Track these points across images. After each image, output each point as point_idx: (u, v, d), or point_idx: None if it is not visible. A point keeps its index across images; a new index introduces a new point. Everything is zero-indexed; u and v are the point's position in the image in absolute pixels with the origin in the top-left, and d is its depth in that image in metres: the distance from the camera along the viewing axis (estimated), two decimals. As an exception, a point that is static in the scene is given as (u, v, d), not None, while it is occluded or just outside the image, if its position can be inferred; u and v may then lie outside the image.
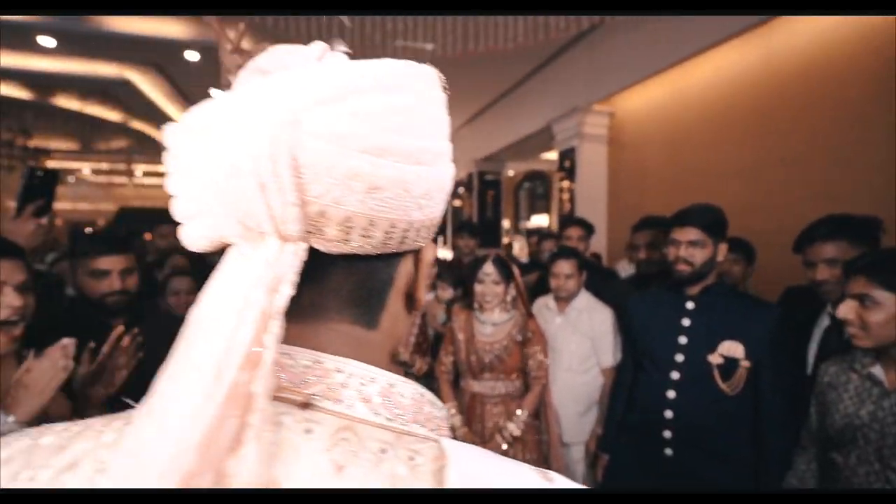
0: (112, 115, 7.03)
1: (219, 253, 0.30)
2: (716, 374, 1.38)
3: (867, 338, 0.98)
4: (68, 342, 0.80)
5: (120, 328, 0.95)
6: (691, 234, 1.44)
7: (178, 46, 4.68)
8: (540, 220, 9.81)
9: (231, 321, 0.25)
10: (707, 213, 1.47)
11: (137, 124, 7.50)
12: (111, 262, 1.25)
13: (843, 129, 2.84)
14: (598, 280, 2.22)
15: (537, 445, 1.88)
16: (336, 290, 0.31)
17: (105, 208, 15.51)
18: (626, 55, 4.23)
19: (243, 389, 0.25)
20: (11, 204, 1.28)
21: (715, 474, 1.37)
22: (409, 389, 0.32)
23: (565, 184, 5.29)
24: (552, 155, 5.55)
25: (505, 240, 9.86)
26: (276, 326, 0.26)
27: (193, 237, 0.29)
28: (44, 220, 1.21)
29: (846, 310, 1.01)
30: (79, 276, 1.27)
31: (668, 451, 1.43)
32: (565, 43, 4.90)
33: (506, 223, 10.90)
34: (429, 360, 2.03)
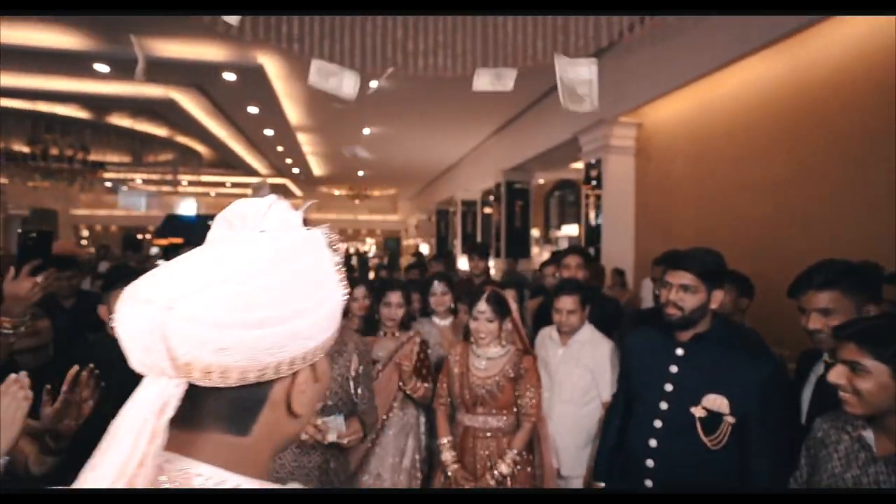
0: (159, 131, 7.50)
1: None
2: (698, 426, 1.33)
3: (858, 405, 0.94)
4: (17, 377, 0.89)
5: (75, 368, 1.04)
6: (683, 278, 1.40)
7: (216, 68, 4.97)
8: (570, 230, 9.66)
9: (132, 434, 0.36)
10: (703, 258, 1.41)
11: (181, 139, 7.96)
12: None
13: (874, 141, 2.70)
14: (599, 310, 2.21)
15: (529, 479, 1.87)
16: (212, 409, 0.42)
17: (154, 214, 16.55)
18: (653, 67, 4.15)
19: (134, 482, 0.36)
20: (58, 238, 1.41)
21: None
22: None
23: (592, 196, 5.23)
24: (581, 165, 5.49)
25: (535, 250, 9.77)
26: (160, 439, 0.37)
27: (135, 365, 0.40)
28: (39, 279, 1.29)
29: (837, 375, 0.97)
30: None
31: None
32: (591, 54, 4.85)
33: (535, 232, 10.81)
34: (430, 386, 2.06)
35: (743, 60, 3.38)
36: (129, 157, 8.40)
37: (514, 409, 1.86)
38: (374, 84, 5.48)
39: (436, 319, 2.48)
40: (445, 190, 11.67)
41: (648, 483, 1.41)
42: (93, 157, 7.95)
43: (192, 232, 16.28)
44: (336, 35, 3.56)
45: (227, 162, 9.76)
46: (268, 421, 0.44)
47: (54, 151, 7.34)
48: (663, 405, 1.41)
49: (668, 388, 1.41)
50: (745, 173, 3.68)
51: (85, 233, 16.70)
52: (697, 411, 1.34)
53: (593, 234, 5.15)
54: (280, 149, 8.71)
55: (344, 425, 1.45)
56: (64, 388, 1.01)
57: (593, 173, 5.14)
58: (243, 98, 5.85)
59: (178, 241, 15.40)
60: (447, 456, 1.83)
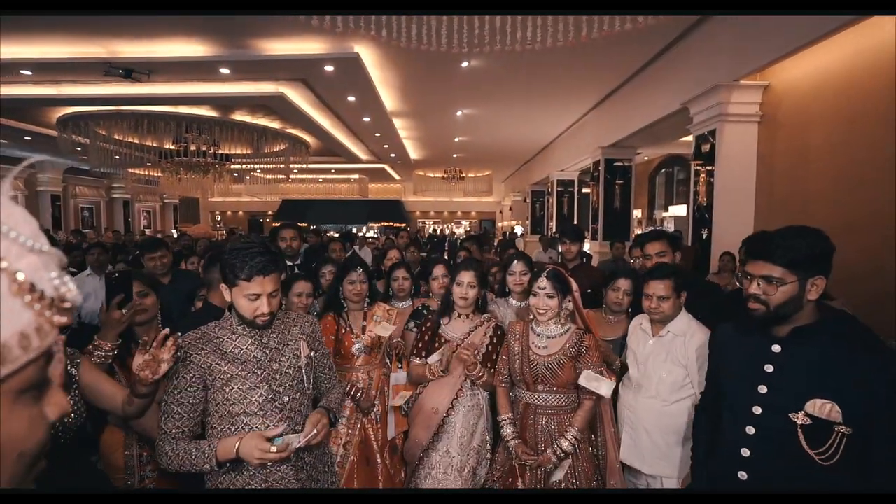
0: (273, 124, 8.25)
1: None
2: (800, 436, 1.13)
3: None
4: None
5: (165, 331, 1.21)
6: (765, 268, 1.18)
7: (317, 62, 5.29)
8: (678, 211, 8.78)
9: None
10: (795, 244, 1.15)
11: (291, 130, 8.68)
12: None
13: None
14: (696, 296, 1.96)
15: (590, 458, 1.84)
16: None
17: (272, 200, 18.44)
18: (786, 17, 3.51)
19: None
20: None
21: None
22: None
23: (703, 172, 4.66)
24: (691, 138, 4.92)
25: (638, 232, 9.06)
26: None
27: None
28: (124, 311, 1.58)
29: None
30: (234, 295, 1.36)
31: None
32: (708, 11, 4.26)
33: (638, 213, 10.04)
34: (485, 371, 2.03)
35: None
36: (250, 150, 9.37)
37: (575, 387, 1.82)
38: (465, 65, 5.44)
39: (512, 300, 2.44)
40: (540, 170, 11.31)
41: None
42: (221, 151, 9.01)
43: (304, 215, 17.92)
44: (424, 17, 3.59)
45: (331, 150, 10.45)
46: None
47: (192, 148, 8.47)
48: (756, 410, 1.23)
49: (762, 389, 1.22)
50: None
51: (218, 217, 19.24)
52: (799, 418, 1.14)
53: (704, 215, 4.62)
54: (377, 134, 9.09)
55: (298, 436, 1.29)
56: (154, 345, 1.19)
57: (705, 147, 4.58)
58: (342, 87, 6.18)
59: (293, 223, 17.04)
60: (508, 431, 1.83)
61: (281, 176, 11.83)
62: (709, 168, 4.54)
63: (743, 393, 1.26)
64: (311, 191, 17.54)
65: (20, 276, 0.35)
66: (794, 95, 4.05)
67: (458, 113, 7.69)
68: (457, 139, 9.80)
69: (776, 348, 1.23)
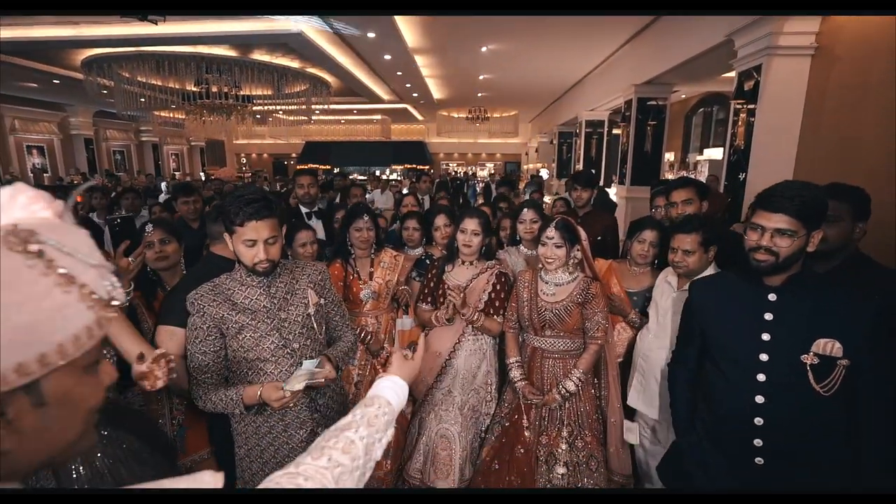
0: (293, 63, 8.04)
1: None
2: (810, 375, 1.22)
3: None
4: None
5: (160, 351, 1.31)
6: (780, 221, 1.22)
7: (335, -4, 5.02)
8: (714, 154, 8.33)
9: None
10: (806, 197, 1.21)
11: (312, 70, 8.46)
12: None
13: None
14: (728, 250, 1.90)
15: (592, 399, 1.92)
16: None
17: (296, 142, 18.39)
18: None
19: None
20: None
21: (810, 481, 1.26)
22: None
23: (744, 112, 4.36)
24: (734, 75, 4.56)
25: (668, 176, 8.70)
26: None
27: None
28: (131, 259, 1.59)
29: None
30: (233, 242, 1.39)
31: (759, 461, 1.28)
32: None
33: (670, 156, 9.60)
34: (501, 320, 2.09)
35: None
36: (271, 91, 9.23)
37: (581, 333, 1.89)
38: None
39: (523, 248, 2.45)
40: (569, 110, 10.79)
41: (758, 442, 1.30)
42: (243, 92, 8.91)
43: (327, 157, 17.89)
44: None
45: (352, 90, 10.19)
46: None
47: (214, 89, 8.39)
48: (763, 357, 1.28)
49: (766, 337, 1.28)
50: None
51: (243, 160, 19.40)
52: (809, 358, 1.22)
53: (741, 160, 4.38)
54: (399, 73, 8.78)
55: (314, 366, 1.36)
56: (150, 361, 1.27)
57: (748, 84, 4.25)
58: (362, 23, 5.91)
59: (317, 166, 17.12)
60: (515, 373, 1.92)
61: (303, 117, 11.71)
62: (750, 108, 4.24)
63: (745, 343, 1.31)
64: (334, 132, 17.38)
65: (85, 288, 0.48)
66: (857, 22, 3.65)
67: (483, 49, 7.29)
68: (482, 77, 9.37)
69: (772, 297, 1.29)
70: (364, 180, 11.71)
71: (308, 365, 1.36)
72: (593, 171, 9.08)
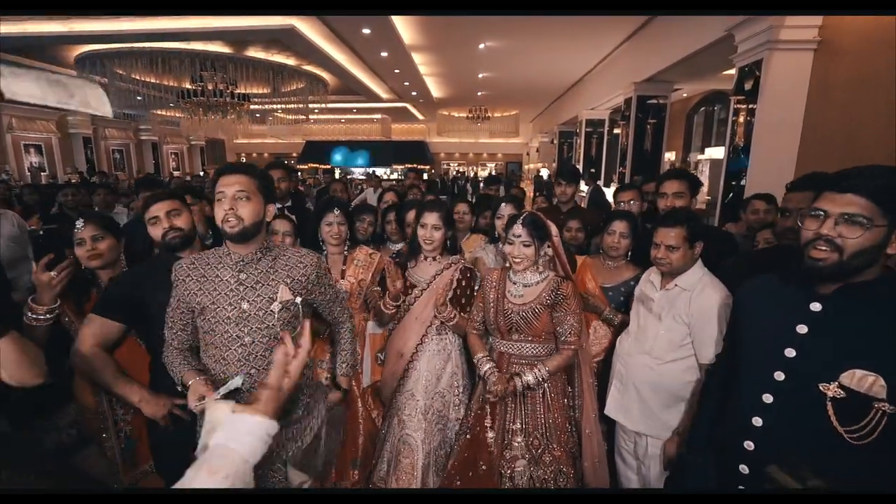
0: (289, 60, 7.96)
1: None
2: (830, 411, 0.97)
3: None
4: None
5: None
6: (851, 204, 0.94)
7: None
8: (716, 153, 8.17)
9: None
10: (888, 177, 0.94)
11: (308, 67, 8.37)
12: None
13: None
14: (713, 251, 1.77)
15: (563, 409, 1.76)
16: None
17: (296, 142, 18.32)
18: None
19: None
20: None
21: None
22: None
23: (744, 110, 4.22)
24: (734, 72, 4.42)
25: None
26: None
27: None
28: (53, 273, 1.50)
29: None
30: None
31: (741, 488, 1.12)
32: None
33: (670, 156, 9.46)
34: (456, 312, 1.95)
35: None
36: (268, 90, 9.15)
37: (552, 337, 1.74)
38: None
39: (501, 246, 2.32)
40: (569, 109, 10.66)
41: (744, 469, 1.13)
42: (239, 90, 8.83)
43: (327, 157, 17.82)
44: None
45: (351, 89, 10.10)
46: None
47: (210, 87, 8.31)
48: (779, 376, 1.07)
49: (790, 353, 1.06)
50: None
51: (243, 159, 19.38)
52: (831, 390, 0.98)
53: (741, 158, 4.24)
54: (397, 71, 8.68)
55: (234, 386, 1.26)
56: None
57: (748, 81, 4.11)
58: (356, 19, 5.81)
59: (317, 165, 17.06)
60: (485, 367, 1.75)
61: (302, 116, 11.62)
62: (751, 104, 4.10)
63: (765, 356, 1.10)
64: (334, 132, 17.32)
65: None
66: (862, 19, 3.51)
67: (481, 46, 7.18)
68: (481, 75, 9.26)
69: (815, 306, 1.04)
70: (363, 179, 11.62)
71: (232, 383, 1.25)
72: (593, 170, 8.95)
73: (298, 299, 1.41)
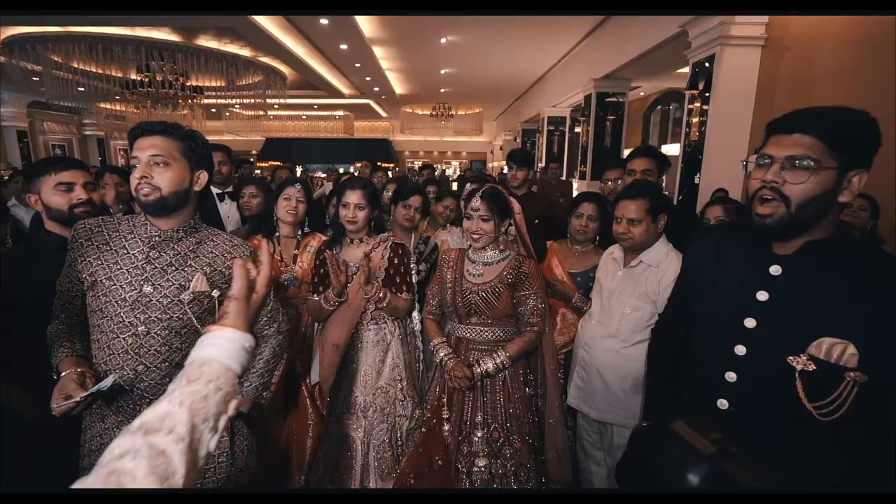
0: (243, 51, 7.62)
1: None
2: (798, 386, 0.87)
3: None
4: None
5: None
6: (799, 146, 0.84)
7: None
8: (673, 150, 8.44)
9: None
10: (841, 115, 0.85)
11: (264, 59, 8.05)
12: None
13: None
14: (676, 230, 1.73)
15: (524, 399, 1.65)
16: None
17: (256, 139, 17.67)
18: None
19: None
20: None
21: None
22: None
23: (697, 106, 4.33)
24: (689, 70, 4.53)
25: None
26: None
27: None
28: None
29: None
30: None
31: None
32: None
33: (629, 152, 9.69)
34: (409, 297, 1.85)
35: None
36: (223, 82, 8.74)
37: (514, 320, 1.64)
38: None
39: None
40: (532, 107, 10.76)
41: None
42: (191, 83, 8.38)
43: (288, 154, 17.29)
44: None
45: (311, 84, 9.80)
46: None
47: (158, 78, 7.85)
48: (739, 349, 0.95)
49: (750, 323, 0.94)
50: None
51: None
52: (799, 362, 0.87)
53: (696, 153, 4.34)
54: (357, 65, 8.48)
55: (106, 387, 1.08)
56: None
57: (701, 76, 4.21)
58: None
59: (278, 163, 16.51)
60: (442, 353, 1.64)
61: (260, 112, 11.20)
62: (704, 103, 4.20)
63: (722, 327, 0.98)
64: (296, 129, 16.82)
65: None
66: (805, 17, 3.66)
67: (443, 40, 7.11)
68: (443, 71, 9.19)
69: (775, 269, 0.93)
70: (324, 177, 11.34)
71: (103, 384, 1.06)
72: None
73: (216, 293, 1.22)
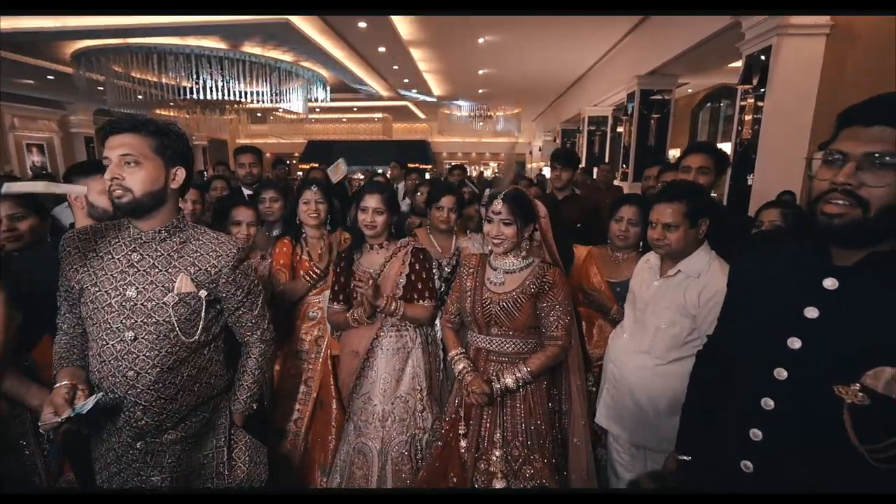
0: (286, 56, 7.84)
1: None
2: (846, 420, 0.74)
3: None
4: None
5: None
6: (883, 141, 0.70)
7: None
8: (724, 149, 7.95)
9: None
10: None
11: (305, 64, 8.25)
12: None
13: None
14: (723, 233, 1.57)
15: (548, 415, 1.54)
16: None
17: (298, 142, 18.22)
18: None
19: None
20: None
21: None
22: None
23: (750, 102, 4.03)
24: (740, 65, 4.24)
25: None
26: None
27: None
28: None
29: None
30: None
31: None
32: None
33: (675, 153, 9.23)
34: (430, 304, 1.79)
35: None
36: (267, 88, 9.03)
37: (537, 332, 1.54)
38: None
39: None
40: (572, 106, 10.48)
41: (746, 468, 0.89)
42: (238, 88, 8.72)
43: (328, 156, 17.72)
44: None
45: (351, 87, 9.97)
46: None
47: (209, 85, 8.21)
48: (780, 373, 0.82)
49: (795, 344, 0.81)
50: None
51: (245, 159, 19.31)
52: (849, 393, 0.73)
53: (749, 153, 4.05)
54: (395, 67, 8.54)
55: (90, 406, 1.03)
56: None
57: (756, 69, 3.92)
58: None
59: (316, 165, 16.98)
60: (461, 366, 1.55)
61: (302, 115, 11.50)
62: (759, 98, 3.91)
63: (763, 346, 0.85)
64: (336, 131, 17.25)
65: None
66: None
67: (481, 40, 7.03)
68: (481, 71, 9.10)
69: (830, 283, 0.79)
70: (362, 178, 11.52)
71: (87, 403, 1.03)
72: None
73: (203, 293, 1.17)
